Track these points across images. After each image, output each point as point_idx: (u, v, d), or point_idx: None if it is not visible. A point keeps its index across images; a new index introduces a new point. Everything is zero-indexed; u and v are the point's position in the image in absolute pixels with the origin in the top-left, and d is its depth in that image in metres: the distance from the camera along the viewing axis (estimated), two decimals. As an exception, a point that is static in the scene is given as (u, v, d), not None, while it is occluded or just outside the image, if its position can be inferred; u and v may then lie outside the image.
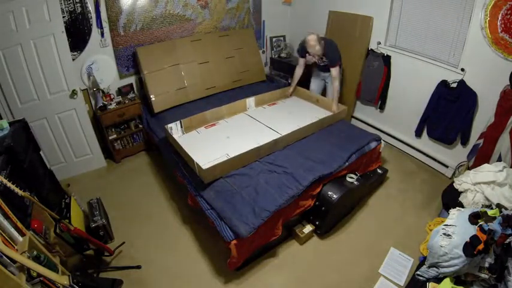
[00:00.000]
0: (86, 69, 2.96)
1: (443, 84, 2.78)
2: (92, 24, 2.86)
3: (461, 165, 2.86)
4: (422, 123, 3.09)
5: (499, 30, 2.31)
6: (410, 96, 3.16)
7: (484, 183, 2.18)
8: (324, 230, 2.37)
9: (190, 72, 3.33)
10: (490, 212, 1.75)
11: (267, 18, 4.12)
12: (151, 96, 3.07)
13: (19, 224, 1.44)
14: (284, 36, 4.40)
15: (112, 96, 3.15)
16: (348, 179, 2.42)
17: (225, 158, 2.26)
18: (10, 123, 2.04)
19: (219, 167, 2.18)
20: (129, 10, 3.01)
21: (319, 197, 2.29)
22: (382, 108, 3.52)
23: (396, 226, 2.48)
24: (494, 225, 1.61)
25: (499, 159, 2.37)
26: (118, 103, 3.12)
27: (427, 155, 3.18)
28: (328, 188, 2.29)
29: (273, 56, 4.37)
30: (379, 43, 3.30)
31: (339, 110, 3.03)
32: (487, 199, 2.14)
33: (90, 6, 2.79)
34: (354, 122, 3.83)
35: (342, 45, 3.63)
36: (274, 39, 4.32)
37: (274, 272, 2.13)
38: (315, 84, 3.48)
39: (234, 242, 1.87)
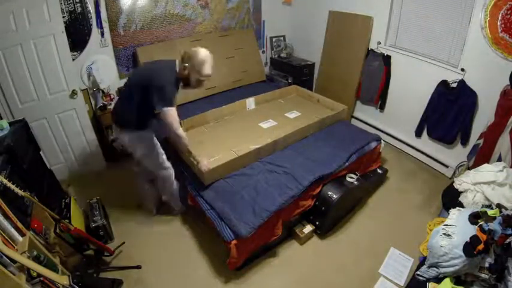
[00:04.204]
0: (86, 69, 2.96)
1: (443, 84, 2.78)
2: (92, 24, 2.86)
3: (461, 165, 2.86)
4: (422, 123, 3.09)
5: (499, 30, 2.31)
6: (410, 96, 3.16)
7: (484, 183, 2.18)
8: (324, 230, 2.36)
9: (190, 72, 3.33)
10: (490, 212, 1.75)
11: (267, 18, 4.12)
12: (151, 96, 3.07)
13: (19, 224, 1.44)
14: (284, 36, 4.40)
15: (112, 96, 3.14)
16: (348, 179, 2.42)
17: (226, 159, 2.26)
18: (10, 123, 2.04)
19: (219, 168, 2.18)
20: (129, 10, 3.01)
21: (319, 197, 2.29)
22: (382, 108, 3.52)
23: (396, 226, 2.48)
24: (494, 225, 1.61)
25: (499, 159, 2.36)
26: (118, 103, 3.12)
27: (427, 155, 3.18)
28: (328, 188, 2.29)
29: (273, 56, 4.37)
30: (379, 43, 3.30)
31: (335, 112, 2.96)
32: (487, 199, 2.13)
33: (90, 6, 2.79)
34: (354, 122, 3.83)
35: (342, 45, 3.66)
36: (274, 39, 4.32)
37: (274, 272, 2.13)
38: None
39: (234, 242, 1.87)
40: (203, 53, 1.94)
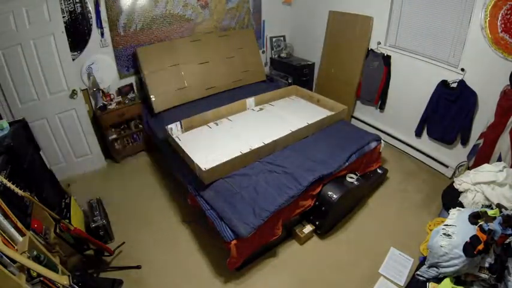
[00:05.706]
0: (86, 69, 2.96)
1: (443, 84, 2.78)
2: (92, 24, 2.86)
3: (461, 165, 2.86)
4: (422, 123, 3.09)
5: (499, 30, 2.31)
6: (411, 96, 3.16)
7: (484, 183, 2.18)
8: (324, 230, 2.36)
9: (190, 72, 3.33)
10: (490, 212, 1.75)
11: (267, 18, 4.12)
12: (151, 96, 3.07)
13: (19, 224, 1.44)
14: (284, 36, 4.40)
15: (112, 96, 3.15)
16: (348, 179, 2.42)
17: (225, 159, 2.26)
18: (10, 123, 2.04)
19: (219, 168, 2.17)
20: (129, 10, 3.01)
21: (319, 197, 2.29)
22: (382, 108, 3.52)
23: (396, 226, 2.48)
24: (494, 225, 1.61)
25: (499, 159, 2.36)
26: (118, 103, 3.13)
27: (427, 155, 3.18)
28: (328, 188, 2.29)
29: (273, 56, 4.37)
30: (379, 43, 3.30)
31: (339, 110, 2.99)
32: (487, 199, 2.13)
33: (90, 6, 2.79)
34: (354, 122, 3.83)
35: (342, 45, 3.66)
36: (274, 39, 4.32)
37: (274, 272, 2.13)
38: None
39: (234, 242, 1.87)
40: None
